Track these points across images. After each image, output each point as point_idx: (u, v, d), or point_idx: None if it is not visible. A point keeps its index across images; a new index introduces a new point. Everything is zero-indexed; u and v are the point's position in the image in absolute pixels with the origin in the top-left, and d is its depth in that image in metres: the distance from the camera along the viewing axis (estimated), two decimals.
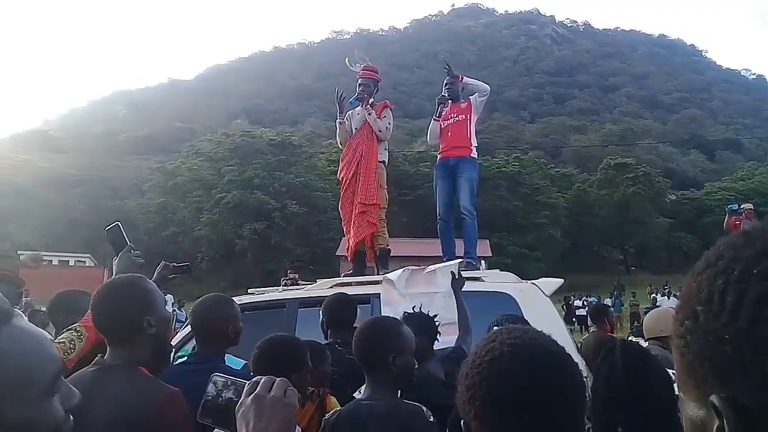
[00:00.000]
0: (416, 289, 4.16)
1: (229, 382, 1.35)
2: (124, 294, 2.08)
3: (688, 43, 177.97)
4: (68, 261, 38.39)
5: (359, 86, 6.32)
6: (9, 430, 0.99)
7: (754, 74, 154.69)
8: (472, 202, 6.14)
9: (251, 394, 1.22)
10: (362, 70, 6.43)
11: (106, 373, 1.96)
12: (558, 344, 1.14)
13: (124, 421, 1.72)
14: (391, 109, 6.32)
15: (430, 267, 4.43)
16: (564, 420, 1.06)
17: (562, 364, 1.09)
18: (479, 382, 1.07)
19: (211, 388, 1.36)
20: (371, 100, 6.23)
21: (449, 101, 6.42)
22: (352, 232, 6.00)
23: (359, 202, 5.92)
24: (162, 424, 1.78)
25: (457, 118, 6.29)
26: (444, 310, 3.70)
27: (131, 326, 2.02)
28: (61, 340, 2.38)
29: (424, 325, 3.10)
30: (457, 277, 3.88)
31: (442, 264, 4.42)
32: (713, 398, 0.59)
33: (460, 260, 4.77)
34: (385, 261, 6.08)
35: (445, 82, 6.53)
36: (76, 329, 2.45)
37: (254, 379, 1.26)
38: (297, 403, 1.25)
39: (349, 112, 6.42)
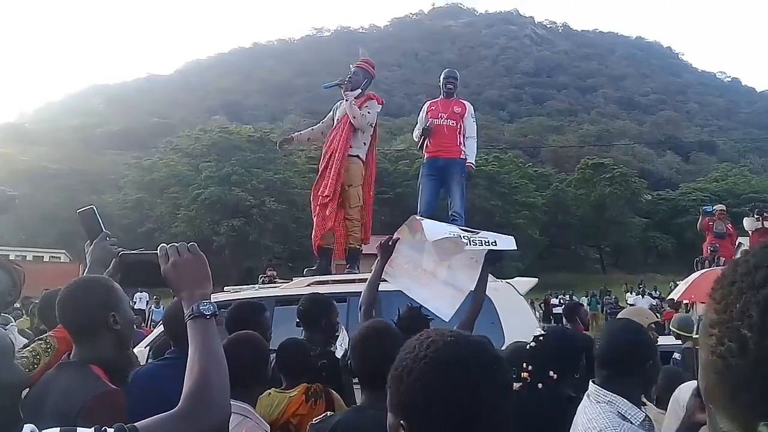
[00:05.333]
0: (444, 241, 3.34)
1: (137, 255, 1.73)
2: (90, 289, 2.12)
3: (664, 46, 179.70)
4: (43, 257, 37.86)
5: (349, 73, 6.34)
6: (2, 389, 1.30)
7: (729, 77, 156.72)
8: (462, 205, 6.19)
9: (168, 262, 1.56)
10: (359, 61, 6.46)
11: (61, 369, 2.06)
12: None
13: (61, 414, 1.80)
14: (378, 103, 6.28)
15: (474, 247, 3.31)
16: (506, 407, 1.14)
17: (499, 356, 1.19)
18: (427, 373, 1.10)
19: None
20: (357, 92, 6.20)
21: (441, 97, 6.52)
22: (315, 224, 6.00)
23: (320, 194, 5.90)
24: (91, 418, 1.79)
25: (448, 122, 6.28)
26: (464, 273, 3.31)
27: (96, 321, 2.07)
28: (24, 355, 2.25)
29: (417, 324, 2.81)
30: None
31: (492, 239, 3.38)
32: (763, 428, 0.57)
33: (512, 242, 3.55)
34: (354, 260, 6.08)
35: (445, 74, 6.58)
36: (45, 340, 2.37)
37: (160, 247, 1.60)
38: (201, 253, 1.61)
39: (336, 104, 6.40)
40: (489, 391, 1.11)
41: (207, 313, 1.51)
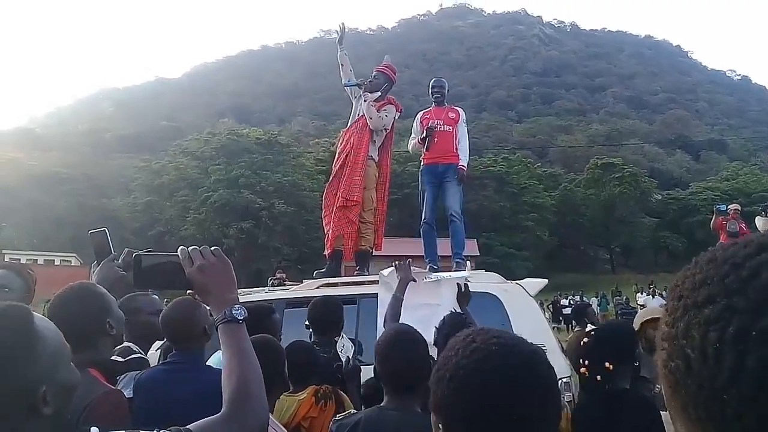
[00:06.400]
0: (418, 300, 3.85)
1: (155, 257, 1.64)
2: (85, 297, 2.15)
3: (674, 44, 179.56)
4: (54, 260, 38.08)
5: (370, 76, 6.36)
6: (60, 390, 1.30)
7: (739, 75, 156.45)
8: (460, 206, 6.21)
9: (193, 266, 1.52)
10: (381, 66, 6.49)
11: None
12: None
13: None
14: (396, 109, 6.27)
15: (433, 275, 4.18)
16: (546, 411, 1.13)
17: (544, 359, 1.19)
18: (472, 378, 1.09)
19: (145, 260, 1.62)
20: (377, 95, 6.20)
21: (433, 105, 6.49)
22: (332, 223, 5.97)
23: (341, 196, 5.88)
24: (95, 418, 1.83)
25: (444, 128, 6.29)
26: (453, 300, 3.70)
27: (94, 328, 2.11)
28: None
29: (461, 326, 2.72)
30: (463, 290, 3.76)
31: (447, 274, 4.22)
32: None
33: (466, 275, 4.42)
34: (364, 262, 6.07)
35: (432, 84, 6.57)
36: None
37: (180, 251, 1.54)
38: (225, 257, 1.57)
39: (359, 98, 6.37)
40: (528, 401, 1.10)
41: (240, 318, 1.52)
